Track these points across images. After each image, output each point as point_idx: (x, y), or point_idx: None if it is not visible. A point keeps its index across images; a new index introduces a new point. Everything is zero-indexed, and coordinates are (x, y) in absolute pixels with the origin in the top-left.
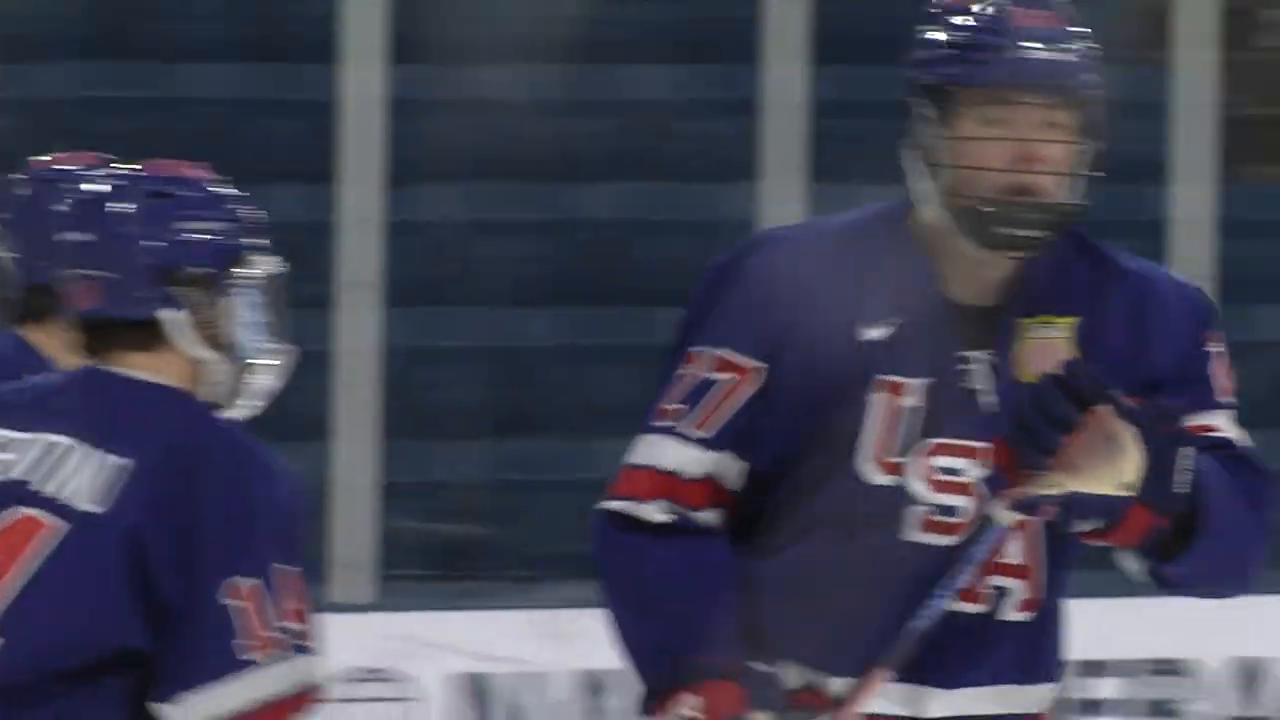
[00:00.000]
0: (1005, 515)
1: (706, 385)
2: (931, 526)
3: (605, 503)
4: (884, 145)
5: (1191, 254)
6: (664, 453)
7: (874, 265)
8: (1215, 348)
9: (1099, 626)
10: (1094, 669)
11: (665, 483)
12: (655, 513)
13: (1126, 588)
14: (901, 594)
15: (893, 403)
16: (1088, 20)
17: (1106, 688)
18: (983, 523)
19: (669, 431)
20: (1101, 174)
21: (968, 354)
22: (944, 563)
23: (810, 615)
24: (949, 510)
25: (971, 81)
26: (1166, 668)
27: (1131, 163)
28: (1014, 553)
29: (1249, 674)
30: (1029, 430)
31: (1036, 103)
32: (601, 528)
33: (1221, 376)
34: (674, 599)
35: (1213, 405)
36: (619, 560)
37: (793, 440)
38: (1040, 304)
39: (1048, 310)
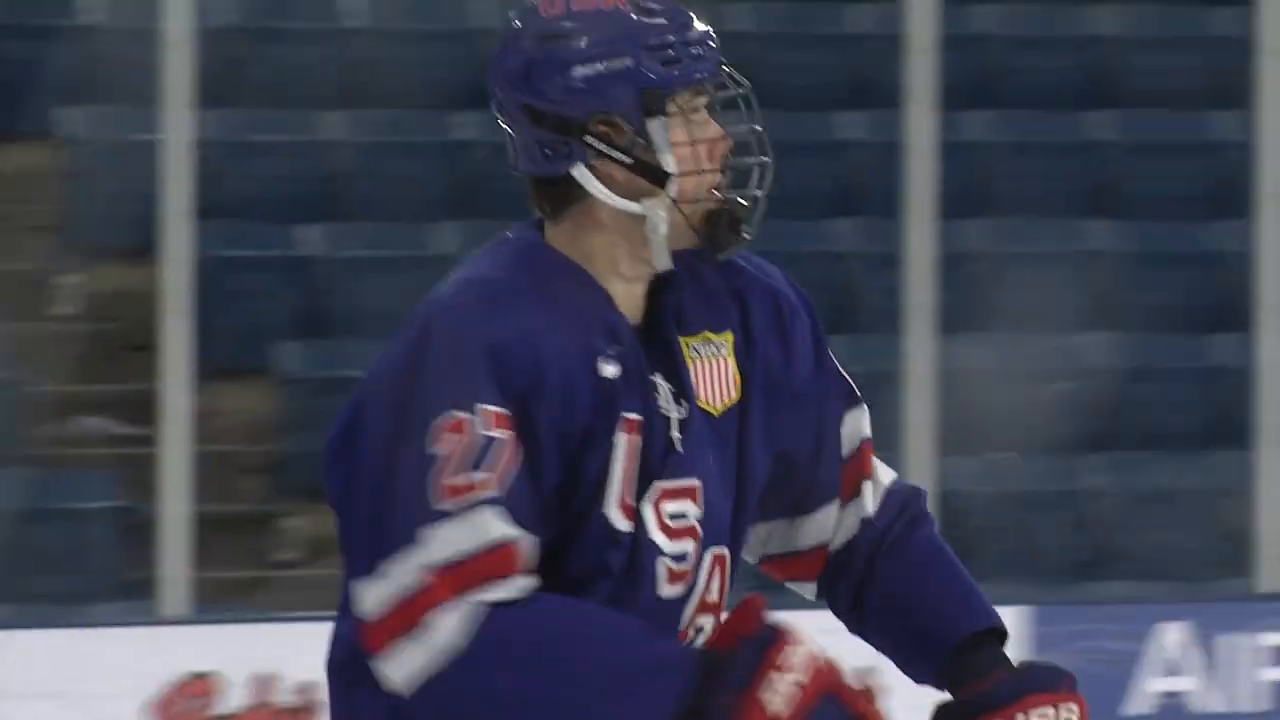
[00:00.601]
0: None
1: (485, 444)
2: (674, 578)
3: (471, 596)
4: None
5: None
6: (488, 527)
7: (573, 300)
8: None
9: None
10: None
11: (512, 554)
12: (528, 584)
13: None
14: None
15: (632, 441)
16: None
17: None
18: None
19: (480, 504)
20: None
21: (653, 379)
22: (677, 614)
23: None
24: (681, 558)
25: (688, 80)
26: None
27: None
28: (715, 590)
29: None
30: None
31: (733, 89)
32: (492, 622)
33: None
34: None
35: (856, 401)
36: (541, 641)
37: (539, 497)
38: (690, 315)
39: (700, 324)
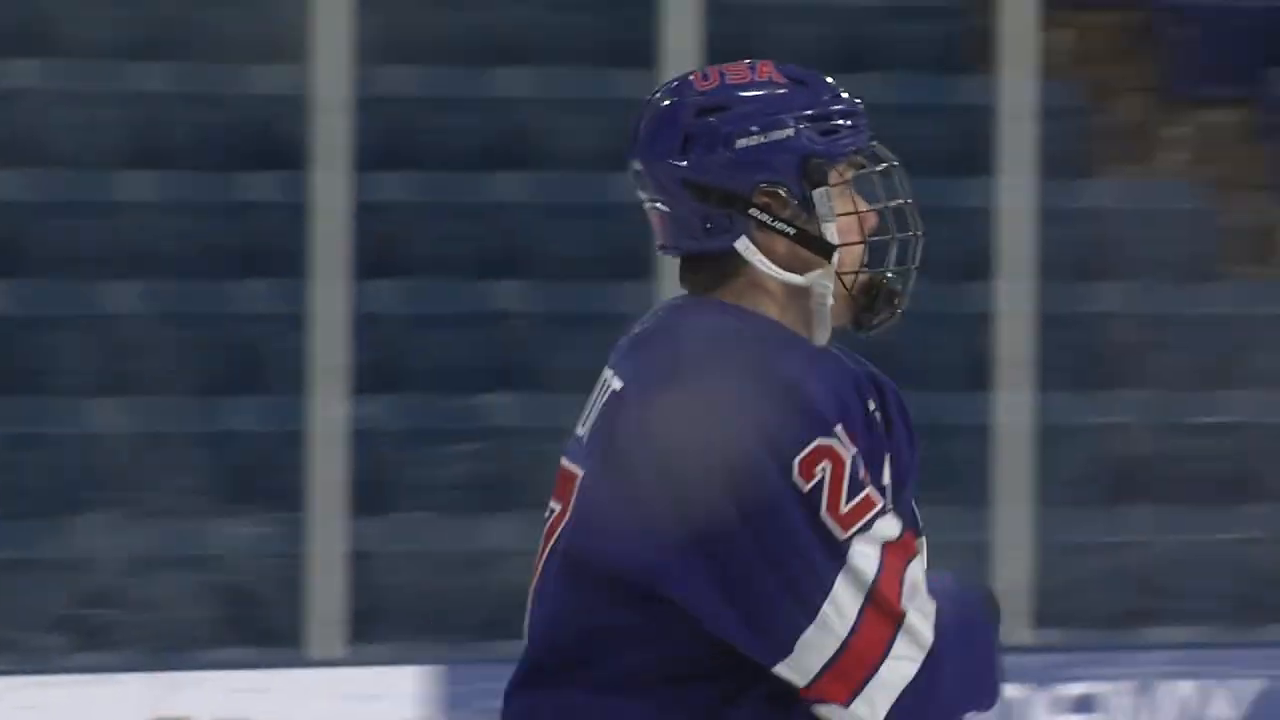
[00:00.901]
0: None
1: (856, 462)
2: None
3: (915, 594)
4: None
5: None
6: (889, 529)
7: (817, 350)
8: None
9: None
10: None
11: (911, 540)
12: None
13: None
14: None
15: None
16: None
17: None
18: None
19: (875, 517)
20: None
21: None
22: None
23: None
24: None
25: (849, 149)
26: None
27: None
28: None
29: None
30: None
31: (886, 161)
32: (937, 609)
33: None
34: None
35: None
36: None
37: None
38: None
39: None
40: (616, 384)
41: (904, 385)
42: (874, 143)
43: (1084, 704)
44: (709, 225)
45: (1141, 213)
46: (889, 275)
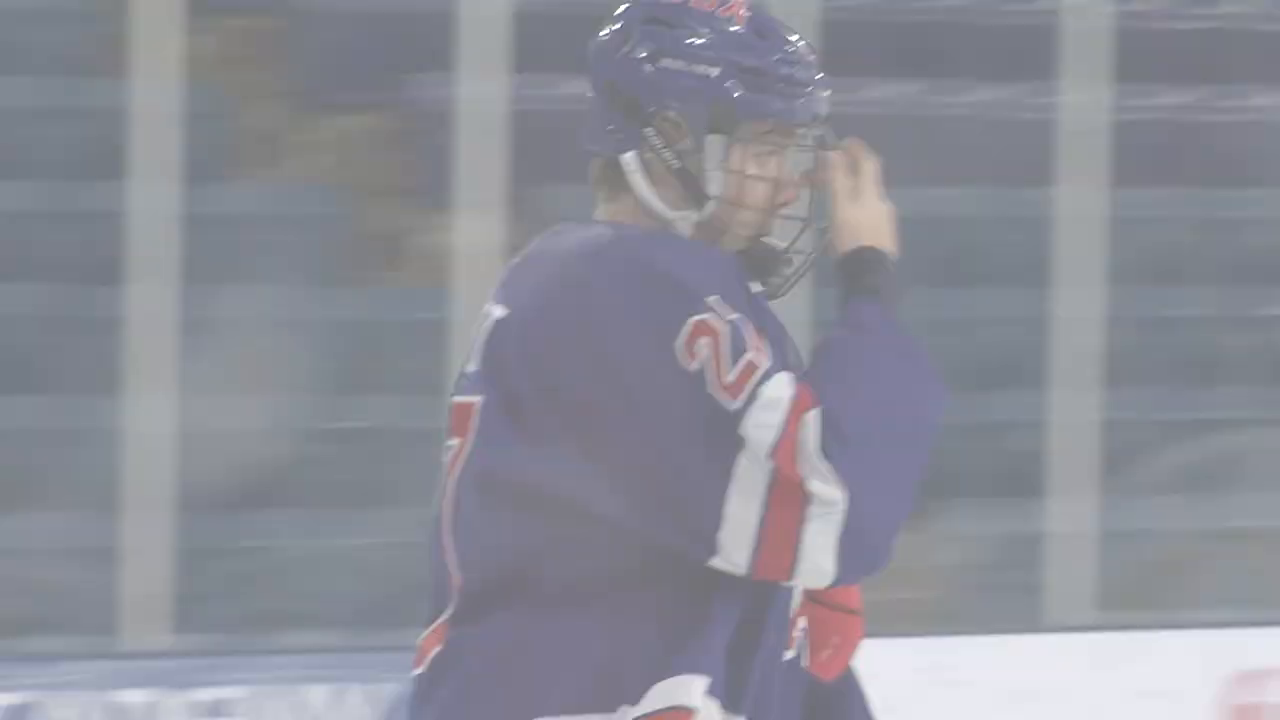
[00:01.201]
0: None
1: (735, 328)
2: None
3: (812, 450)
4: None
5: None
6: (780, 388)
7: (693, 242)
8: None
9: None
10: None
11: (806, 389)
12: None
13: None
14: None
15: None
16: None
17: None
18: None
19: (762, 379)
20: None
21: None
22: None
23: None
24: None
25: (762, 111)
26: None
27: None
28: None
29: None
30: None
31: (812, 146)
32: (836, 451)
33: None
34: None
35: None
36: (872, 438)
37: None
38: None
39: None
40: (499, 312)
41: None
42: (819, 120)
43: (219, 708)
44: (610, 128)
45: (279, 217)
46: (762, 247)
